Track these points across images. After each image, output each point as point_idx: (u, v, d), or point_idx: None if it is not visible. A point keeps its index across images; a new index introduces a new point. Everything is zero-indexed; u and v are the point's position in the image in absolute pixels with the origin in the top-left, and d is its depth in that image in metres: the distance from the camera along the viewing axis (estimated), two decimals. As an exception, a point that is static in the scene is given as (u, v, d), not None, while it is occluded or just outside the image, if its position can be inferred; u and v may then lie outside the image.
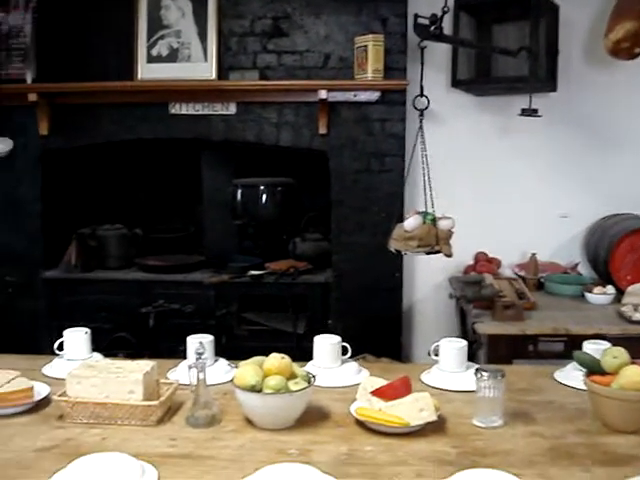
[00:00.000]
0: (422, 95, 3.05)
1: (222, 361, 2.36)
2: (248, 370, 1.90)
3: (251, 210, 4.01)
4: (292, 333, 3.76)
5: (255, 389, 1.86)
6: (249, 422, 1.95)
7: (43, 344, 3.93)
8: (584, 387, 1.98)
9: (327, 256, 3.98)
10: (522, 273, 3.85)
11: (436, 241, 3.08)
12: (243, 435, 1.89)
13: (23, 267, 4.02)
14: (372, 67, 3.58)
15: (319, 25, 3.75)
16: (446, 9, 2.97)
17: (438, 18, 3.01)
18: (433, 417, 1.88)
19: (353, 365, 2.36)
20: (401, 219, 3.73)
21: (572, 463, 1.70)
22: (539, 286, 3.79)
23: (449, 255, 3.17)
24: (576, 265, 3.99)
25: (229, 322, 3.81)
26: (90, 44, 3.83)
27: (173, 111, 3.83)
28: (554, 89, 3.81)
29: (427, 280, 4.09)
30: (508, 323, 3.18)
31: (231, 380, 2.20)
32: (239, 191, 3.99)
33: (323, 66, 3.76)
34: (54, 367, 2.42)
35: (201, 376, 1.95)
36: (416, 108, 3.07)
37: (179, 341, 3.79)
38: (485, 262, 3.92)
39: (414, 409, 1.88)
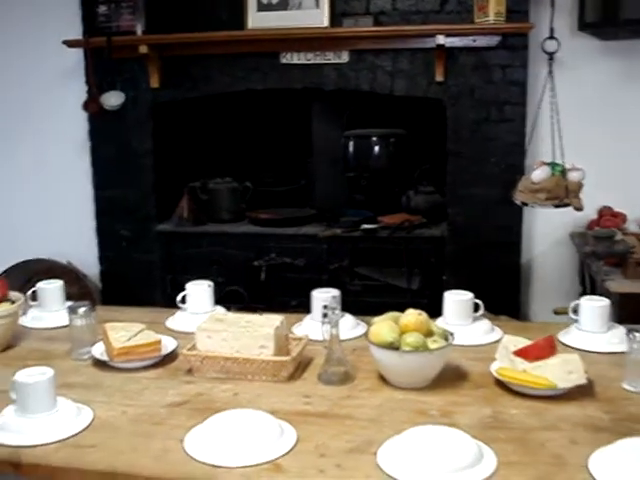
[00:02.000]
0: (552, 37, 2.86)
1: (348, 316, 2.28)
2: (384, 326, 1.82)
3: (363, 162, 3.90)
4: (406, 289, 3.66)
5: (393, 346, 1.77)
6: (383, 380, 1.87)
7: (156, 296, 3.98)
8: None
9: (440, 209, 3.84)
10: (650, 229, 3.62)
11: (565, 194, 2.91)
12: (379, 394, 1.81)
13: (137, 221, 4.05)
14: (494, 10, 3.38)
15: (436, -34, 3.56)
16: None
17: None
18: (583, 380, 1.76)
19: (485, 323, 2.24)
20: (522, 170, 3.59)
21: None
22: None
23: (579, 209, 3.01)
24: None
25: (341, 277, 3.73)
26: (200, -7, 3.77)
27: (284, 61, 3.73)
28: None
29: (546, 235, 3.89)
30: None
31: (362, 335, 2.14)
32: (351, 142, 3.88)
33: (440, 10, 3.58)
34: (177, 320, 2.40)
35: (334, 332, 1.87)
36: (545, 52, 2.87)
37: (291, 295, 3.81)
38: (610, 217, 3.70)
39: (562, 371, 1.76)
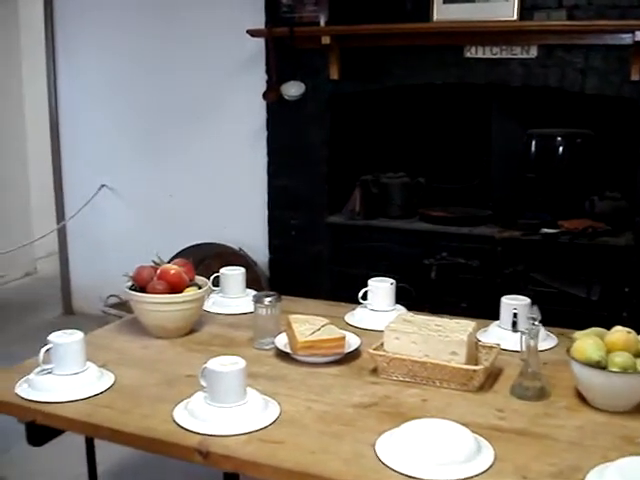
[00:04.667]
0: None
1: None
2: (590, 343, 1.69)
3: (545, 163, 3.71)
4: (585, 299, 3.46)
5: (600, 365, 1.64)
6: (582, 399, 1.75)
7: (322, 288, 3.98)
8: None
9: (626, 217, 3.60)
10: None
11: None
12: (578, 414, 1.69)
13: (307, 211, 4.06)
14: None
15: (640, -43, 3.33)
16: None
17: None
18: None
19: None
20: None
21: None
22: None
23: None
24: None
25: (516, 282, 3.57)
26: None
27: (468, 55, 3.60)
28: None
29: None
30: None
31: (554, 348, 2.04)
32: (533, 142, 3.70)
33: (638, 5, 3.33)
34: (357, 316, 2.37)
35: (533, 343, 1.76)
36: None
37: (461, 296, 3.69)
38: None
39: None
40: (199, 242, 4.20)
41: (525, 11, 3.45)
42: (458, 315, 2.22)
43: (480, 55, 3.58)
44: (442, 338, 1.83)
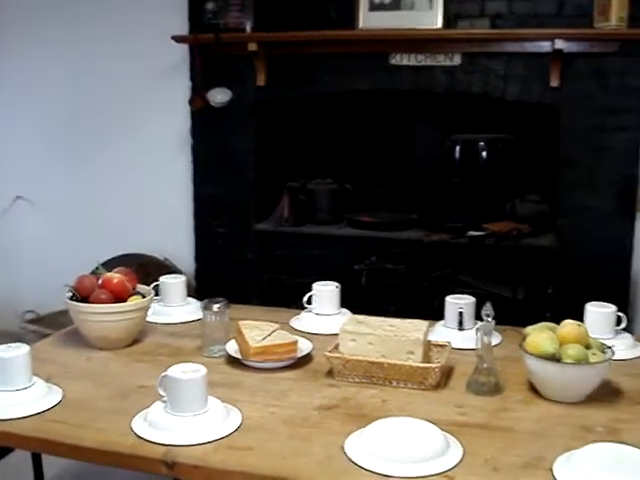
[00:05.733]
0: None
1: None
2: (544, 337, 1.74)
3: (469, 167, 3.81)
4: (511, 299, 3.56)
5: (555, 358, 1.69)
6: (535, 392, 1.80)
7: (252, 296, 3.95)
8: None
9: (546, 219, 3.73)
10: None
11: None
12: (535, 407, 1.74)
13: (234, 219, 4.02)
14: (616, 15, 3.26)
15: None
16: None
17: None
18: None
19: (628, 337, 2.15)
20: (637, 181, 3.48)
21: None
22: None
23: None
24: None
25: (443, 285, 3.64)
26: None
27: (393, 62, 3.66)
28: None
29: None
30: None
31: (499, 344, 2.09)
32: (457, 147, 3.79)
33: (557, 14, 3.47)
34: (302, 321, 2.36)
35: (487, 340, 1.80)
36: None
37: (389, 301, 3.74)
38: None
39: None
40: (123, 253, 4.10)
41: (450, 19, 3.54)
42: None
43: (405, 62, 3.64)
44: (399, 338, 1.85)
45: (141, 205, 4.32)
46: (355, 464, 1.44)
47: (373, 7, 3.61)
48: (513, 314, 3.36)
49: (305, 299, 2.36)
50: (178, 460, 1.49)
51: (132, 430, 1.60)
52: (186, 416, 1.58)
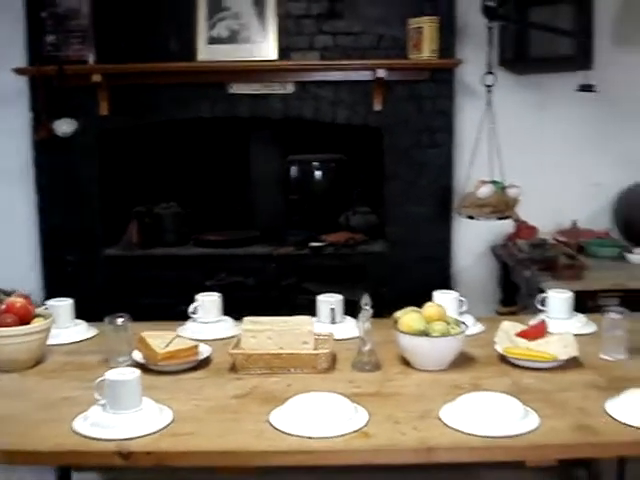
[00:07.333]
0: (490, 72, 3.29)
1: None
2: (414, 317, 2.11)
3: (304, 185, 4.19)
4: (350, 301, 3.96)
5: (425, 333, 2.07)
6: (408, 365, 2.16)
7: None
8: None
9: (376, 228, 4.19)
10: (563, 239, 4.10)
11: (506, 207, 3.32)
12: (412, 376, 2.10)
13: (83, 246, 4.13)
14: (428, 47, 3.78)
15: (372, 7, 3.93)
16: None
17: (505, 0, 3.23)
18: (576, 352, 2.12)
19: (469, 317, 2.57)
20: (450, 190, 4.01)
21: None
22: (578, 251, 4.03)
23: (517, 220, 3.43)
24: (608, 231, 4.26)
25: (291, 293, 3.99)
26: (150, 26, 3.94)
27: (232, 91, 3.97)
28: (590, 67, 4.02)
29: (469, 248, 4.30)
30: (569, 282, 3.42)
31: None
32: (293, 167, 4.17)
33: (377, 46, 3.94)
34: (189, 329, 2.57)
35: (367, 325, 2.14)
36: (486, 85, 3.29)
37: (243, 312, 4.00)
38: (526, 229, 4.16)
39: (559, 346, 2.13)
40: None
41: (283, 51, 3.91)
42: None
43: (243, 91, 3.97)
44: (293, 331, 2.15)
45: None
46: (284, 432, 1.72)
47: (211, 40, 3.90)
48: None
49: (190, 309, 2.59)
50: (132, 449, 1.69)
51: (76, 432, 1.76)
52: (127, 413, 1.77)
